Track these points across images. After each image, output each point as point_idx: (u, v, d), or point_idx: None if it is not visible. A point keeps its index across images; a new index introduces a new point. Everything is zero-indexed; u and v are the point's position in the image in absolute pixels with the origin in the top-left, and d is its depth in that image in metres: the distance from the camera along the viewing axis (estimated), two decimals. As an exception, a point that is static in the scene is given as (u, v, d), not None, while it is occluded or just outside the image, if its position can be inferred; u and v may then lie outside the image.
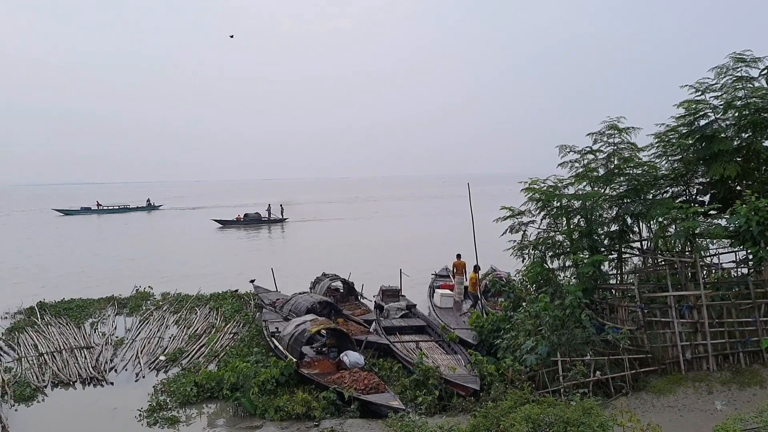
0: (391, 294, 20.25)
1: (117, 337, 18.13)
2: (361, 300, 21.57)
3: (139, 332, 18.46)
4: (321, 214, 73.79)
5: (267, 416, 11.84)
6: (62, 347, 16.69)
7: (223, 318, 19.91)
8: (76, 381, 14.51)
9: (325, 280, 21.47)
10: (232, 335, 17.85)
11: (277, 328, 16.26)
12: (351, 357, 13.86)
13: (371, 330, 17.31)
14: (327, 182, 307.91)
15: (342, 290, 21.91)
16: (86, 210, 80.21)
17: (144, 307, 21.93)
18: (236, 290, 23.85)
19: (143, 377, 14.78)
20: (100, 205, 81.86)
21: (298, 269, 28.67)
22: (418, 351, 14.67)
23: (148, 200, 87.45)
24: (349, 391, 12.04)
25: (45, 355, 16.14)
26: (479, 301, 19.04)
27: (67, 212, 78.76)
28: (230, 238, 49.85)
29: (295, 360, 13.59)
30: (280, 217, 61.25)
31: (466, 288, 20.74)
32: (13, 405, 13.03)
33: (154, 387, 13.83)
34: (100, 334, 18.47)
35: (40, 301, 22.14)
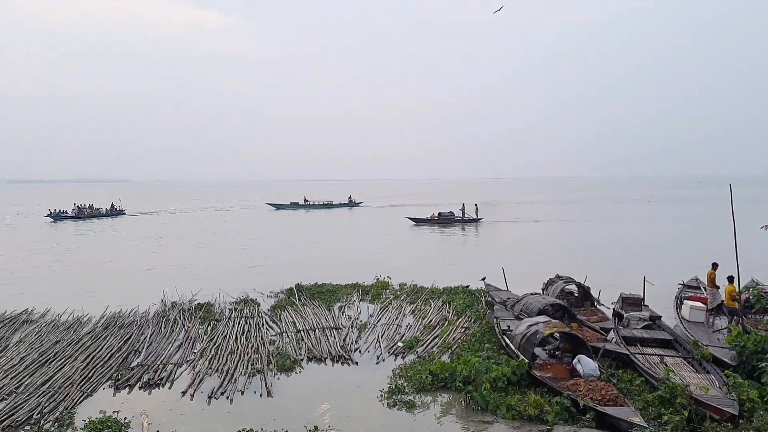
0: (632, 302, 18.86)
1: (361, 321, 19.83)
2: (598, 306, 20.46)
3: (380, 318, 19.95)
4: (523, 215, 71.93)
5: (499, 413, 11.88)
6: (315, 326, 18.75)
7: (455, 312, 20.51)
8: (326, 357, 16.13)
9: (559, 282, 20.80)
10: (463, 329, 18.29)
11: (508, 326, 16.24)
12: (585, 365, 13.21)
13: (609, 338, 16.33)
14: (541, 181, 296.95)
15: (576, 294, 21.00)
16: (295, 205, 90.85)
17: (384, 296, 23.61)
18: (467, 286, 24.37)
19: (383, 360, 15.87)
20: (307, 200, 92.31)
21: (516, 269, 28.14)
22: (662, 366, 13.46)
23: (350, 197, 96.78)
24: (584, 399, 11.53)
25: (301, 332, 18.30)
26: (739, 317, 16.73)
27: (279, 206, 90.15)
28: (430, 235, 51.05)
29: (527, 361, 13.44)
30: (475, 216, 61.44)
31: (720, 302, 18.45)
32: (276, 374, 14.98)
33: (392, 371, 14.78)
34: (347, 317, 20.39)
35: (298, 284, 25.19)
